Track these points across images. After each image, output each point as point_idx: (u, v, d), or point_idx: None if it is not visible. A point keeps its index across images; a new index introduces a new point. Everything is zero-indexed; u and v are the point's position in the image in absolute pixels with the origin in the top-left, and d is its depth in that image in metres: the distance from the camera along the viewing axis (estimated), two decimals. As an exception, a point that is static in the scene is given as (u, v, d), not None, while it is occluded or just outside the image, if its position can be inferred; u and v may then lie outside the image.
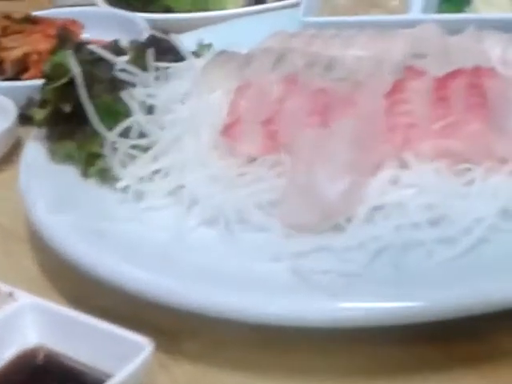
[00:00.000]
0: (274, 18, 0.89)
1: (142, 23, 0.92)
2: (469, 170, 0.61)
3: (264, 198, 0.62)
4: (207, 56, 0.77)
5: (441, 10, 0.84)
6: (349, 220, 0.59)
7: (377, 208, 0.60)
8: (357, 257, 0.56)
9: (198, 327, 0.55)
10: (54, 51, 0.71)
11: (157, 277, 0.56)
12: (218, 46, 0.81)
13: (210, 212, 0.62)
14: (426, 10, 0.82)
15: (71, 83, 0.68)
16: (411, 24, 0.78)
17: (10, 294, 0.55)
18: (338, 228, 0.59)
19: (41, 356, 0.53)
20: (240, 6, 0.98)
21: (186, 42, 0.80)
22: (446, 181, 0.60)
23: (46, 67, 0.71)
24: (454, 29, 0.76)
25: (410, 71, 0.69)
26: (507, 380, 0.51)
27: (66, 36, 0.73)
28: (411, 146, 0.62)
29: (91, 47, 0.72)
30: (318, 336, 0.53)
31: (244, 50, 0.78)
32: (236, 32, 0.86)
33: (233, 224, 0.61)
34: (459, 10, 0.83)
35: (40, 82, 0.72)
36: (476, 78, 0.66)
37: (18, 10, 0.95)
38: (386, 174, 0.61)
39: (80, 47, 0.72)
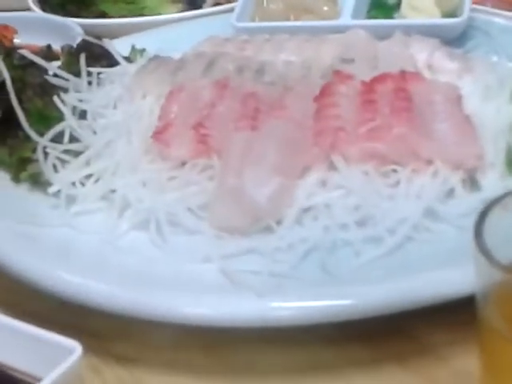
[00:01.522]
0: (209, 24, 0.89)
1: (76, 28, 0.91)
2: (395, 171, 0.62)
3: (194, 201, 0.62)
4: (140, 61, 0.77)
5: (370, 16, 0.85)
6: (278, 222, 0.59)
7: (305, 210, 0.60)
8: (286, 258, 0.57)
9: (130, 330, 0.55)
10: (-18, 57, 0.71)
11: (88, 281, 0.55)
12: (151, 51, 0.81)
13: (141, 216, 0.62)
14: (355, 15, 0.83)
15: (1, 88, 0.68)
16: (341, 29, 0.79)
17: None
18: (267, 230, 0.59)
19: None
20: (175, 10, 0.98)
21: (119, 47, 0.80)
22: (372, 182, 0.61)
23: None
24: (383, 34, 0.77)
25: (338, 75, 0.70)
26: (433, 374, 0.51)
27: (-4, 41, 0.74)
28: (339, 148, 0.63)
29: (22, 52, 0.72)
30: (248, 336, 0.53)
31: (177, 56, 0.78)
32: (170, 37, 0.86)
33: (164, 227, 0.61)
34: (388, 15, 0.84)
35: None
36: (402, 83, 0.67)
37: None
38: (314, 176, 0.62)
39: (11, 52, 0.71)
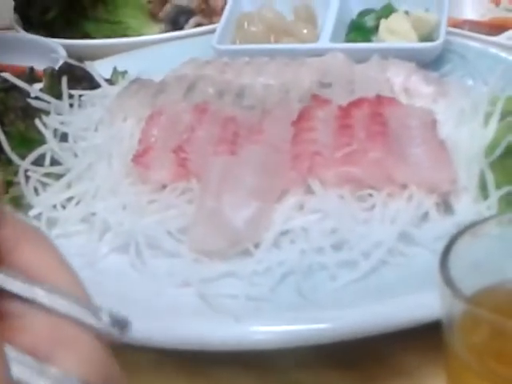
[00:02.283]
0: (190, 45, 0.89)
1: (58, 49, 0.91)
2: (370, 195, 0.62)
3: (174, 224, 0.62)
4: (122, 83, 0.78)
5: (348, 39, 0.85)
6: (256, 245, 0.60)
7: (283, 233, 0.61)
8: (264, 281, 0.57)
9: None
10: (-36, 80, 0.71)
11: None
12: (133, 72, 0.81)
13: (121, 239, 0.62)
14: (334, 38, 0.83)
15: (-18, 112, 0.68)
16: (320, 52, 0.80)
17: None
18: (245, 253, 0.60)
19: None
20: (158, 31, 0.99)
21: (101, 68, 0.81)
22: (348, 206, 0.62)
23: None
24: (361, 57, 0.78)
25: (316, 100, 0.70)
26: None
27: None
28: (316, 172, 0.63)
29: (4, 75, 0.72)
30: (226, 359, 0.54)
31: (159, 77, 0.79)
32: (152, 58, 0.87)
33: (143, 250, 0.61)
34: (366, 38, 0.84)
35: None
36: (378, 107, 0.68)
37: None
38: (291, 200, 0.63)
39: (-9, 75, 0.72)
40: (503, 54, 0.79)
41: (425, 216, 0.61)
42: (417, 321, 0.51)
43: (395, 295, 0.54)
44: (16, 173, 0.67)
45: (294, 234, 0.61)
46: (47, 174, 0.68)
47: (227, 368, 0.55)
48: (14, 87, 0.72)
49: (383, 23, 0.84)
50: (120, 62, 0.85)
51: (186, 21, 0.99)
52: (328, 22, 0.85)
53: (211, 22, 0.94)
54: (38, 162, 0.68)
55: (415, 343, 0.52)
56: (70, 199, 0.66)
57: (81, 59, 0.82)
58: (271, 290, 0.57)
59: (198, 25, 0.97)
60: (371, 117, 0.67)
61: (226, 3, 0.91)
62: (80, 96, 0.75)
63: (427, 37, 0.82)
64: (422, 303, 0.51)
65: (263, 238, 0.60)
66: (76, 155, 0.69)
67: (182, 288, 0.58)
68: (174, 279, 0.59)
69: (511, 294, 0.40)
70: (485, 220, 0.41)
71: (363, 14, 0.87)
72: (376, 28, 0.85)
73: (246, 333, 0.53)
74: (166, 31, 0.98)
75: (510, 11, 0.92)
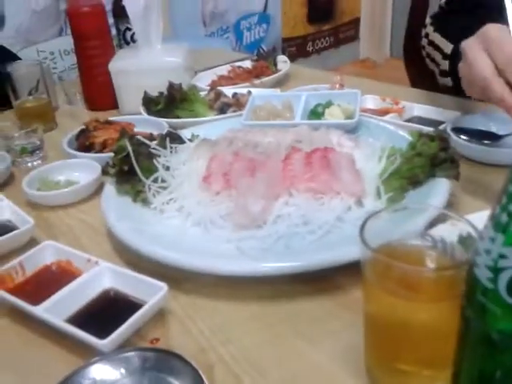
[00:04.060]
0: (230, 122, 0.87)
1: (164, 124, 0.90)
2: (322, 198, 0.62)
3: (223, 212, 0.62)
4: (196, 141, 0.77)
5: (309, 118, 0.84)
6: (264, 223, 0.59)
7: (278, 216, 0.60)
8: (268, 241, 0.57)
9: (191, 276, 0.54)
10: (119, 139, 0.71)
11: (169, 252, 0.55)
12: (202, 136, 0.80)
13: (197, 219, 0.62)
14: (302, 118, 0.83)
15: (128, 155, 0.68)
16: (295, 125, 0.79)
17: (96, 262, 0.55)
18: (259, 227, 0.59)
19: (112, 292, 0.53)
20: (213, 115, 0.98)
21: (186, 134, 0.80)
22: (311, 203, 0.61)
23: (115, 147, 0.71)
24: (316, 128, 0.77)
25: (294, 149, 0.70)
26: (341, 299, 0.51)
27: (124, 131, 0.74)
28: (294, 186, 0.63)
29: (138, 137, 0.72)
30: (250, 280, 0.53)
31: (214, 138, 0.78)
32: (211, 129, 0.85)
33: (208, 225, 0.61)
34: (318, 118, 0.84)
35: (112, 154, 0.71)
36: (325, 153, 0.68)
37: (103, 117, 0.94)
38: (282, 199, 0.62)
39: (132, 137, 0.72)
40: (388, 126, 0.78)
41: (349, 208, 0.61)
42: (348, 261, 0.51)
43: (336, 248, 0.53)
44: (144, 186, 0.67)
45: (283, 217, 0.60)
46: (159, 187, 0.67)
47: (248, 285, 0.54)
48: (143, 143, 0.72)
49: (327, 110, 0.84)
50: (195, 130, 0.83)
51: (227, 110, 0.98)
52: (299, 110, 0.84)
53: (240, 110, 0.93)
54: (155, 181, 0.68)
55: (348, 272, 0.51)
56: (171, 199, 0.66)
57: (175, 129, 0.82)
58: (272, 245, 0.56)
59: (234, 111, 0.96)
60: (322, 158, 0.67)
61: (247, 101, 0.90)
62: (175, 147, 0.74)
63: (349, 117, 0.82)
64: (350, 251, 0.50)
65: (267, 219, 0.60)
66: (174, 177, 0.69)
67: (227, 244, 0.58)
68: (223, 239, 0.58)
69: (395, 248, 0.40)
70: (380, 210, 0.41)
71: (317, 105, 0.86)
72: (323, 113, 0.84)
73: (259, 267, 0.53)
74: (217, 115, 0.97)
75: (391, 104, 0.92)
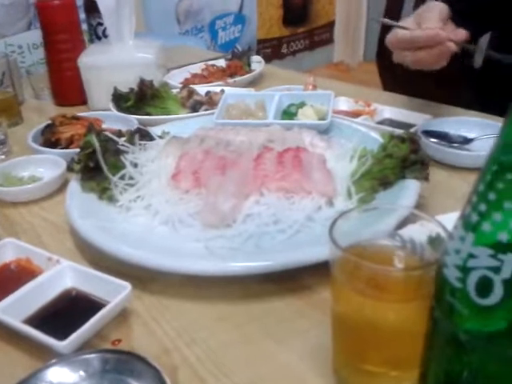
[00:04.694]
0: (202, 120, 0.86)
1: (134, 121, 0.88)
2: (293, 197, 0.61)
3: (191, 210, 0.60)
4: (166, 138, 0.76)
5: (282, 118, 0.84)
6: (234, 221, 0.58)
7: (248, 215, 0.59)
8: (238, 240, 0.56)
9: (157, 276, 0.53)
10: (85, 134, 0.69)
11: (135, 250, 0.54)
12: (172, 133, 0.78)
13: (165, 218, 0.60)
14: (275, 117, 0.82)
15: (94, 152, 0.66)
16: (268, 125, 0.78)
17: (58, 261, 0.53)
18: (228, 226, 0.58)
19: (73, 292, 0.51)
20: (186, 112, 0.96)
21: (156, 130, 0.79)
22: (281, 202, 0.60)
23: (81, 143, 0.68)
24: (289, 128, 0.76)
25: (266, 149, 0.69)
26: (309, 299, 0.51)
27: (92, 126, 0.71)
28: (265, 185, 0.62)
29: (106, 133, 0.70)
30: (218, 279, 0.52)
31: (185, 136, 0.76)
32: (182, 126, 0.83)
33: (176, 224, 0.59)
34: (291, 118, 0.83)
35: (78, 150, 0.69)
36: (297, 153, 0.67)
37: (71, 112, 0.91)
38: (252, 198, 0.61)
39: (100, 133, 0.69)
40: (360, 128, 0.78)
41: (320, 208, 0.60)
42: (317, 260, 0.50)
43: (305, 247, 0.53)
44: (110, 183, 0.65)
45: (253, 216, 0.59)
46: (127, 184, 0.66)
47: (216, 285, 0.53)
48: (110, 139, 0.70)
49: (300, 111, 0.84)
50: (165, 127, 0.82)
51: (200, 108, 0.97)
52: (272, 110, 0.84)
53: (213, 108, 0.92)
54: (122, 177, 0.66)
55: (317, 272, 0.51)
56: (138, 197, 0.64)
57: (144, 125, 0.80)
58: (241, 245, 0.55)
59: (206, 109, 0.95)
60: (294, 157, 0.66)
61: (220, 100, 0.89)
62: (144, 144, 0.73)
63: (322, 118, 0.81)
64: (320, 251, 0.49)
65: (237, 218, 0.59)
66: (141, 174, 0.67)
67: (195, 243, 0.56)
68: (191, 238, 0.57)
69: (364, 247, 0.39)
70: (350, 210, 0.40)
71: (290, 106, 0.86)
72: (296, 113, 0.84)
73: (228, 266, 0.52)
74: (190, 113, 0.96)
75: (362, 106, 0.92)
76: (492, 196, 0.26)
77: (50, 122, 0.87)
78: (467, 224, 0.28)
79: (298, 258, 0.51)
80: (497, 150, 0.27)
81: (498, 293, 0.27)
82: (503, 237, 0.26)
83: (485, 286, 0.27)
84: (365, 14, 3.10)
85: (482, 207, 0.27)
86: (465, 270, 0.28)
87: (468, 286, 0.28)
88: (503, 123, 0.26)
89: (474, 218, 0.27)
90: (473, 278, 0.28)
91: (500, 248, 0.26)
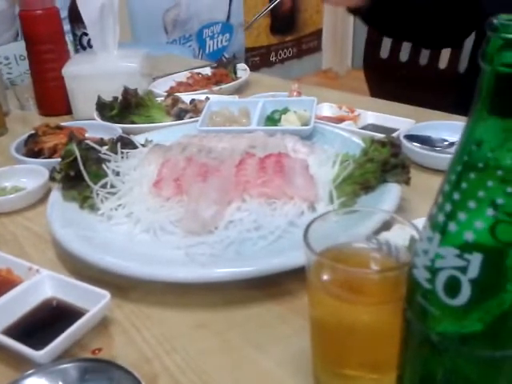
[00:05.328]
0: (186, 127, 0.86)
1: (117, 129, 0.88)
2: (274, 202, 0.61)
3: (173, 217, 0.60)
4: (149, 147, 0.76)
5: (266, 124, 0.84)
6: (216, 228, 0.58)
7: (229, 222, 0.59)
8: (219, 247, 0.56)
9: (137, 284, 0.53)
10: (67, 143, 0.69)
11: (116, 259, 0.53)
12: (155, 141, 0.79)
13: (146, 225, 0.60)
14: (258, 124, 0.82)
15: (75, 160, 0.66)
16: (251, 131, 0.78)
17: (37, 270, 0.53)
18: (210, 232, 0.58)
19: (54, 302, 0.51)
20: (170, 121, 0.96)
21: (139, 139, 0.79)
22: (263, 208, 0.60)
23: (62, 152, 0.68)
24: (271, 133, 0.76)
25: (248, 155, 0.69)
26: (289, 303, 0.51)
27: (73, 135, 0.71)
28: (247, 191, 0.62)
29: (87, 142, 0.70)
30: (201, 286, 0.52)
31: (168, 143, 0.76)
32: (166, 134, 0.83)
33: (157, 231, 0.59)
34: (274, 124, 0.83)
35: (59, 159, 0.68)
36: (279, 158, 0.67)
37: (55, 122, 0.91)
38: (234, 205, 0.61)
39: (81, 141, 0.69)
40: (342, 133, 0.78)
41: (302, 213, 0.60)
42: (297, 265, 0.49)
43: (287, 253, 0.53)
44: (91, 191, 0.65)
45: (235, 223, 0.59)
46: (108, 193, 0.65)
47: (197, 292, 0.53)
48: (92, 147, 0.70)
49: (283, 117, 0.84)
50: (149, 135, 0.82)
51: (185, 116, 0.96)
52: (255, 116, 0.84)
53: (197, 116, 0.92)
54: (103, 186, 0.66)
55: (297, 277, 0.50)
56: (119, 205, 0.64)
57: (128, 134, 0.80)
58: (222, 251, 0.55)
59: (191, 117, 0.95)
60: (275, 163, 0.66)
61: (204, 107, 0.89)
62: (127, 152, 0.72)
63: (305, 124, 0.82)
64: (299, 256, 0.47)
65: (219, 224, 0.59)
66: (123, 182, 0.67)
67: (176, 250, 0.56)
68: (172, 245, 0.57)
69: (341, 251, 0.39)
70: (327, 212, 0.40)
71: (273, 112, 0.86)
72: (279, 119, 0.84)
73: (209, 273, 0.51)
74: (174, 121, 0.95)
75: (346, 112, 0.92)
76: (456, 196, 0.26)
77: (33, 131, 0.87)
78: (434, 225, 0.28)
79: (279, 263, 0.51)
80: (460, 150, 0.27)
81: (465, 293, 0.27)
82: (469, 236, 0.26)
83: (453, 287, 0.27)
84: (351, 21, 3.13)
85: (448, 207, 0.27)
86: (433, 271, 0.28)
87: (437, 286, 0.28)
88: (466, 123, 0.27)
89: (441, 218, 0.27)
90: (441, 279, 0.28)
91: (466, 248, 0.26)
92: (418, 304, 0.30)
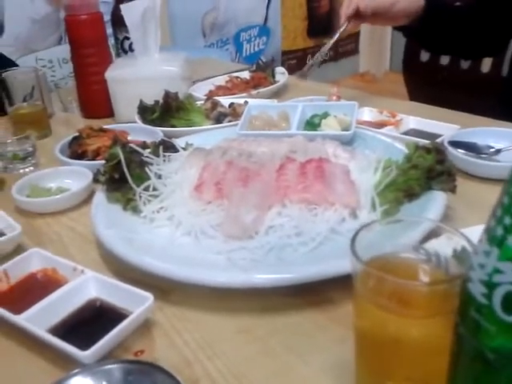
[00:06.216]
0: (226, 131, 0.87)
1: (159, 133, 0.89)
2: (315, 208, 0.61)
3: (214, 221, 0.61)
4: (190, 150, 0.76)
5: (305, 129, 0.84)
6: (256, 233, 0.58)
7: (270, 227, 0.59)
8: (260, 252, 0.56)
9: (177, 287, 0.53)
10: (111, 146, 0.70)
11: (157, 261, 0.54)
12: (196, 144, 0.79)
13: (187, 228, 0.60)
14: (298, 128, 0.82)
15: (119, 163, 0.67)
16: (291, 135, 0.78)
17: (82, 271, 0.54)
18: (251, 237, 0.58)
19: (97, 302, 0.52)
20: (209, 124, 0.97)
21: (180, 142, 0.79)
22: (304, 214, 0.60)
23: (107, 155, 0.70)
24: (311, 138, 0.76)
25: (288, 159, 0.69)
26: (330, 313, 0.50)
27: (117, 138, 0.73)
28: (287, 196, 0.62)
29: (131, 145, 0.71)
30: (240, 291, 0.52)
31: (208, 147, 0.77)
32: (206, 137, 0.84)
33: (198, 235, 0.59)
34: (314, 129, 0.83)
35: (104, 162, 0.70)
36: (320, 163, 0.66)
37: (98, 125, 0.93)
38: (274, 210, 0.61)
39: (125, 144, 0.71)
40: (384, 138, 0.77)
41: (343, 220, 0.60)
42: (339, 273, 0.49)
43: (328, 260, 0.52)
44: (134, 194, 0.66)
45: (276, 228, 0.59)
46: (151, 195, 0.66)
47: (237, 297, 0.52)
48: (135, 151, 0.71)
49: (323, 121, 0.83)
50: (189, 139, 0.83)
51: (224, 119, 0.97)
52: (295, 121, 0.84)
53: (237, 120, 0.92)
54: (146, 189, 0.67)
55: (340, 285, 0.49)
56: (161, 208, 0.65)
57: (169, 137, 0.81)
58: (263, 257, 0.55)
59: (230, 121, 0.95)
60: (316, 168, 0.65)
61: (244, 111, 0.90)
62: (168, 156, 0.73)
63: (345, 128, 0.81)
64: (342, 264, 0.48)
65: (259, 229, 0.59)
66: (165, 185, 0.68)
67: (217, 254, 0.56)
68: (213, 249, 0.57)
69: (388, 261, 0.39)
70: (372, 222, 0.40)
71: (313, 116, 0.86)
72: (319, 124, 0.84)
73: (250, 278, 0.51)
74: (213, 124, 0.96)
75: (388, 117, 0.91)
76: (518, 209, 0.25)
77: (77, 134, 0.89)
78: (492, 238, 0.27)
79: (321, 270, 0.51)
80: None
81: (525, 310, 0.26)
82: (530, 251, 0.25)
83: (511, 302, 0.26)
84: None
85: (507, 221, 0.26)
86: (490, 286, 0.27)
87: (494, 302, 0.27)
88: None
89: (499, 231, 0.26)
90: (499, 294, 0.27)
91: (527, 263, 0.25)
92: (471, 319, 0.29)
